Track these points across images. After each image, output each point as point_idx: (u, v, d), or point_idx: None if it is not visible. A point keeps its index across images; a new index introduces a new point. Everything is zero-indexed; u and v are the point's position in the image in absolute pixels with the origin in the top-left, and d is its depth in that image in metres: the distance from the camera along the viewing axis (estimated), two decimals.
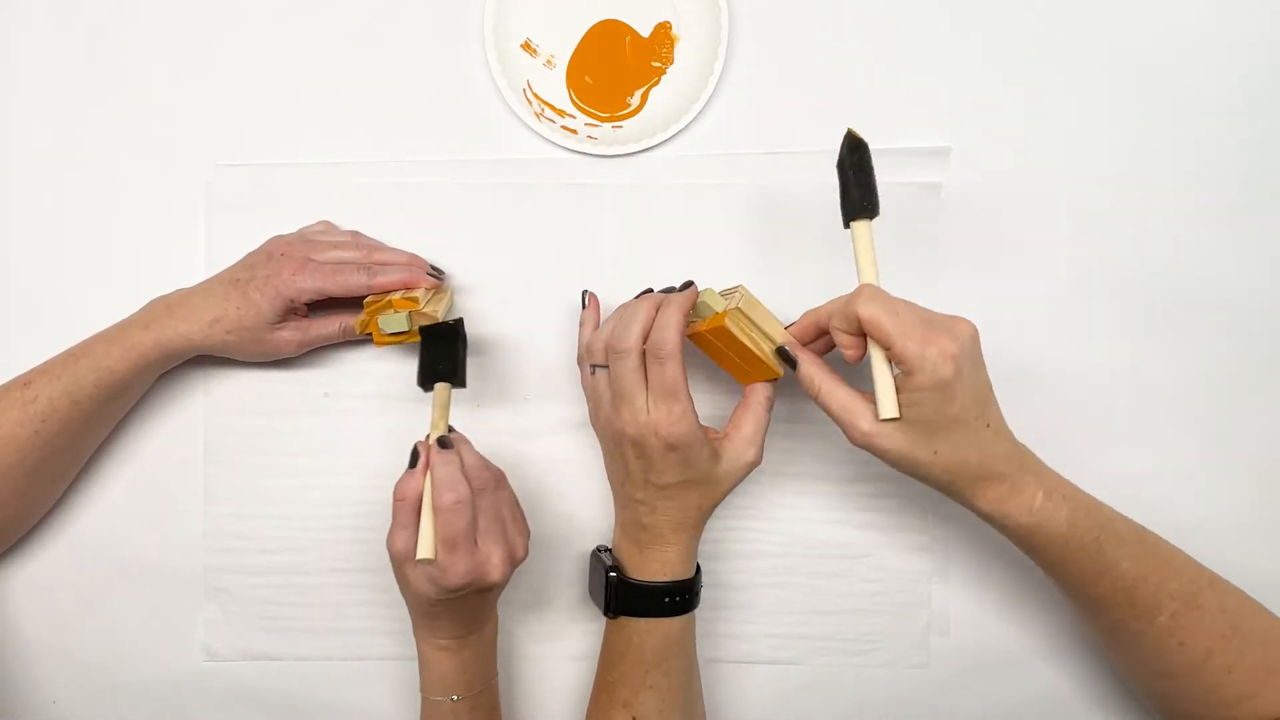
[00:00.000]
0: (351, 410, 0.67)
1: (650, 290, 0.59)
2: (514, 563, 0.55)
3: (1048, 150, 0.66)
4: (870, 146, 0.53)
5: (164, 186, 0.67)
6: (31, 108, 0.67)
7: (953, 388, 0.49)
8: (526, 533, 0.57)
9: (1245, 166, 0.65)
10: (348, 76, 0.67)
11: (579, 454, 0.66)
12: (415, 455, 0.55)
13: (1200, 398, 0.65)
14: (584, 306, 0.63)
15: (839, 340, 0.53)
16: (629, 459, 0.57)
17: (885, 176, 0.65)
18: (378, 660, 0.67)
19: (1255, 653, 0.53)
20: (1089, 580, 0.53)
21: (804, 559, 0.66)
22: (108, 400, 0.61)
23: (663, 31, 0.66)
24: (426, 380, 0.58)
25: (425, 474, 0.54)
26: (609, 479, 0.62)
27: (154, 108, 0.67)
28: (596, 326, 0.61)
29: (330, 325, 0.63)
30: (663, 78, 0.66)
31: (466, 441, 0.57)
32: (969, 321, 0.51)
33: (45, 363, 0.61)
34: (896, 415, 0.50)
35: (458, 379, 0.58)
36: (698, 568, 0.61)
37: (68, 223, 0.67)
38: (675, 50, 0.66)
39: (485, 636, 0.60)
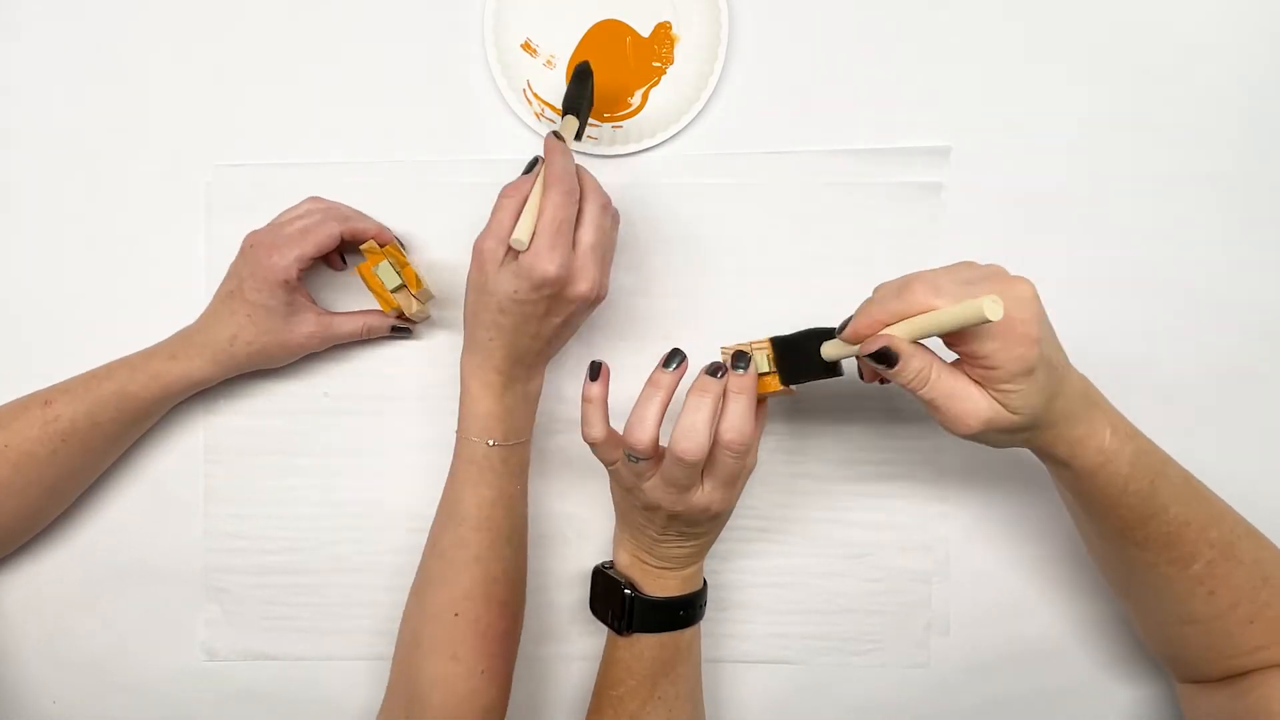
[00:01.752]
0: (351, 410, 0.67)
1: (681, 358, 0.53)
2: (600, 294, 0.56)
3: (1048, 150, 0.66)
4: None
5: (164, 186, 0.67)
6: (31, 108, 0.67)
7: (1039, 366, 0.45)
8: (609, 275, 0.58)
9: (1246, 165, 0.65)
10: (348, 77, 0.67)
11: (579, 453, 0.66)
12: (533, 163, 0.56)
13: (1201, 397, 0.65)
14: (593, 379, 0.54)
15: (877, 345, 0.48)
16: (659, 521, 0.56)
17: (885, 176, 0.66)
18: (377, 660, 0.66)
19: None
20: (1135, 524, 0.51)
21: (804, 559, 0.66)
22: (129, 424, 0.61)
23: (663, 31, 0.66)
24: (569, 108, 0.60)
25: (539, 175, 0.55)
26: (617, 510, 0.61)
27: (154, 108, 0.67)
28: (605, 401, 0.54)
29: (353, 322, 0.63)
30: (663, 78, 0.66)
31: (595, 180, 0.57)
32: (1026, 282, 0.46)
33: (66, 382, 0.61)
34: (1000, 306, 0.42)
35: (582, 121, 0.60)
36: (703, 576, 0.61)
37: (68, 223, 0.67)
38: (675, 50, 0.66)
39: (531, 391, 0.60)
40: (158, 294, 0.66)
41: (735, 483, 0.54)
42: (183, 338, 0.62)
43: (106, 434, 0.61)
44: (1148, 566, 0.53)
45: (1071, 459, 0.50)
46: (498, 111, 0.66)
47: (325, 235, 0.59)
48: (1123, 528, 0.52)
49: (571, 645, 0.67)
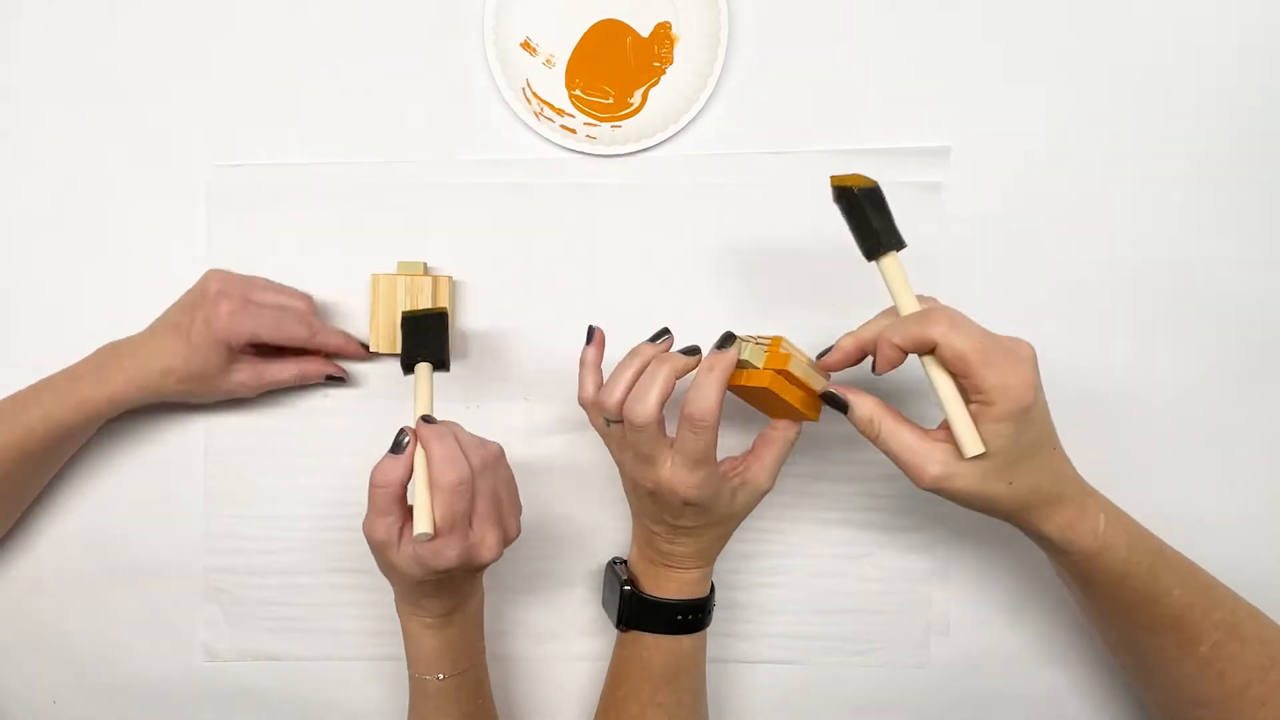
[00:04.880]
0: (351, 410, 0.66)
1: (666, 333, 0.56)
2: (507, 543, 0.54)
3: (1048, 149, 0.66)
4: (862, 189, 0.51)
5: (164, 186, 0.67)
6: (32, 108, 0.67)
7: (1031, 414, 0.47)
8: (519, 510, 0.55)
9: (1247, 165, 0.65)
10: (348, 76, 0.67)
11: (580, 454, 0.66)
12: (399, 441, 0.52)
13: (1202, 396, 0.65)
14: (589, 342, 0.57)
15: (887, 356, 0.49)
16: (646, 501, 0.56)
17: (885, 176, 0.66)
18: (377, 660, 0.67)
19: None
20: (1140, 607, 0.52)
21: (804, 559, 0.66)
22: (57, 447, 0.61)
23: (663, 31, 0.66)
24: (409, 364, 0.55)
25: (412, 458, 0.51)
26: (627, 497, 0.61)
27: (154, 108, 0.67)
28: (598, 365, 0.56)
29: (287, 370, 0.63)
30: (663, 78, 0.66)
31: (457, 424, 0.54)
32: (1028, 343, 0.48)
33: None
34: (984, 450, 0.46)
35: (442, 363, 0.55)
36: (711, 586, 0.61)
37: (68, 224, 0.67)
38: (675, 50, 0.66)
39: (470, 612, 0.58)
40: (157, 294, 0.65)
41: (699, 467, 0.52)
42: (113, 356, 0.61)
43: (35, 460, 0.60)
44: (1156, 649, 0.53)
45: (1067, 543, 0.51)
46: (497, 111, 0.66)
47: (292, 335, 0.60)
48: (1128, 611, 0.53)
49: (571, 645, 0.67)
